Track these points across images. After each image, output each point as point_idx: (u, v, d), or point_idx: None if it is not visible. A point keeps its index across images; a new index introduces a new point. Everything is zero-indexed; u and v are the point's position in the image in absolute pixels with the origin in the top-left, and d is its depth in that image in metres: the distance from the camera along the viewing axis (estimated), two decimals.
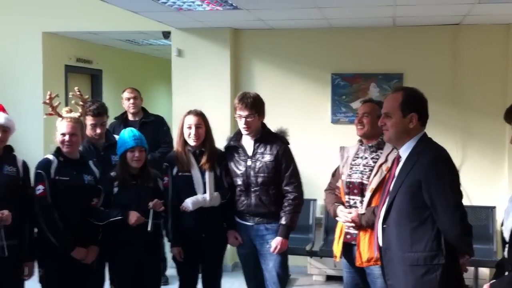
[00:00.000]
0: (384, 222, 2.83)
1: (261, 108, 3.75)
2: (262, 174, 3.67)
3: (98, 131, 4.19)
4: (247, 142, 3.77)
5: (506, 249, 2.48)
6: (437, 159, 2.71)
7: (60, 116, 3.67)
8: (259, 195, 3.68)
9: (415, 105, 2.81)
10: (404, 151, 2.83)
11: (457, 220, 2.62)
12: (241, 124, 3.71)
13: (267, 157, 3.68)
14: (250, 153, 3.74)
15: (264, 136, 3.75)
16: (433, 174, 2.67)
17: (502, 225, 2.56)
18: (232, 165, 3.78)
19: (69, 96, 4.09)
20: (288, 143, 3.78)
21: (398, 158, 2.91)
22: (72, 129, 3.56)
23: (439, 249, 2.67)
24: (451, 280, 2.70)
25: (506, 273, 2.47)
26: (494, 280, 2.50)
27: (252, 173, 3.69)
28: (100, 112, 4.19)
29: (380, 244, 2.89)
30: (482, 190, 5.50)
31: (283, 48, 6.03)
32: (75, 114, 3.71)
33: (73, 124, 3.58)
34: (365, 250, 3.36)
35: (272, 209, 3.69)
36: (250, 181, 3.69)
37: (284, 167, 3.70)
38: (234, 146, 3.80)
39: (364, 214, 3.36)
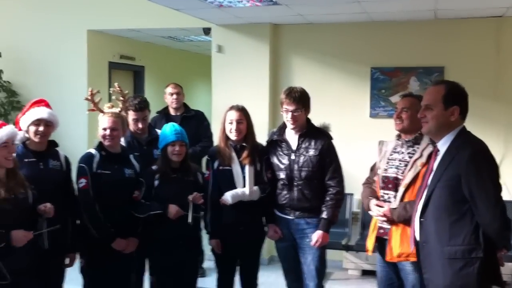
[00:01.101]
0: (421, 216, 2.83)
1: (308, 103, 3.77)
2: (306, 168, 3.70)
3: (140, 125, 4.25)
4: (291, 137, 3.80)
5: None
6: (477, 153, 2.70)
7: (101, 111, 3.77)
8: (302, 189, 3.70)
9: (457, 98, 2.80)
10: (443, 145, 2.82)
11: (497, 214, 2.62)
12: (287, 118, 3.73)
13: (312, 152, 3.70)
14: (294, 147, 3.76)
15: (309, 131, 3.77)
16: (473, 168, 2.66)
17: None
18: (275, 159, 3.82)
19: (110, 92, 4.19)
20: (332, 138, 3.80)
21: (436, 151, 2.90)
22: (113, 124, 3.66)
23: (477, 242, 2.66)
24: (488, 274, 2.70)
25: None
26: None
27: (296, 167, 3.71)
28: (142, 107, 4.24)
29: (417, 238, 2.89)
30: None
31: (322, 43, 6.02)
32: (116, 109, 3.81)
33: (114, 119, 3.67)
34: (396, 245, 3.36)
35: (313, 203, 3.71)
36: (293, 175, 3.72)
37: (328, 162, 3.72)
38: (277, 140, 3.83)
39: (395, 209, 3.35)
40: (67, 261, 3.66)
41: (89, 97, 3.88)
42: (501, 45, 5.54)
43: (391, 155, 3.51)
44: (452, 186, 2.70)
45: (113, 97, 4.16)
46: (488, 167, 2.69)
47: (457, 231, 2.69)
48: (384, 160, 3.52)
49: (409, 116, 3.43)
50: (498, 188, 2.70)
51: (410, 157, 3.40)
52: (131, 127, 4.27)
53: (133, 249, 3.72)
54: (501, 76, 5.55)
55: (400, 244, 3.34)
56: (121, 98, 4.00)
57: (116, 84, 4.14)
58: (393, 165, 3.46)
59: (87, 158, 3.65)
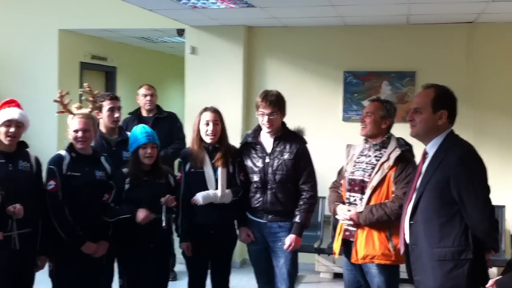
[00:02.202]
0: (411, 219, 2.85)
1: (283, 106, 3.77)
2: (280, 172, 3.69)
3: (116, 115, 4.20)
4: (266, 139, 3.79)
5: None
6: (466, 155, 2.74)
7: (71, 113, 3.69)
8: (275, 193, 3.70)
9: (446, 103, 2.84)
10: (431, 148, 2.85)
11: (486, 216, 2.66)
12: (263, 121, 3.72)
13: (286, 155, 3.70)
14: (269, 150, 3.75)
15: (284, 135, 3.77)
16: (462, 170, 2.69)
17: None
18: (249, 161, 3.80)
19: (79, 92, 4.13)
20: (306, 143, 3.80)
21: (424, 154, 2.92)
22: (85, 125, 3.60)
23: (467, 244, 2.69)
24: (477, 275, 2.73)
25: None
26: (500, 277, 2.51)
27: (270, 170, 3.70)
28: (116, 96, 4.26)
29: (407, 240, 2.90)
30: (493, 189, 5.46)
31: (296, 46, 6.04)
32: (86, 110, 3.75)
33: (86, 120, 3.61)
34: (362, 247, 3.39)
35: (287, 207, 3.71)
36: (267, 178, 3.71)
37: (302, 166, 3.72)
38: (252, 142, 3.82)
39: (361, 212, 3.37)
40: (38, 264, 3.58)
41: (59, 99, 3.80)
42: (472, 50, 5.63)
43: (358, 158, 3.55)
44: (441, 189, 2.72)
45: (83, 97, 4.10)
46: (476, 169, 2.73)
47: (447, 233, 2.72)
48: (351, 163, 3.56)
49: (372, 120, 3.47)
50: (487, 189, 2.73)
51: (377, 160, 3.44)
52: (107, 119, 4.19)
53: (103, 252, 3.66)
54: (471, 81, 5.63)
55: (365, 246, 3.38)
56: (91, 98, 3.93)
57: (85, 84, 4.08)
58: (360, 168, 3.49)
59: (57, 160, 3.58)
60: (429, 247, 2.76)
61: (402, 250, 3.02)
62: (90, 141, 3.69)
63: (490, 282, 2.51)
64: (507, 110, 5.54)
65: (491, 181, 5.80)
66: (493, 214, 2.69)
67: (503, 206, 5.38)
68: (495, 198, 5.67)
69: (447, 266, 2.70)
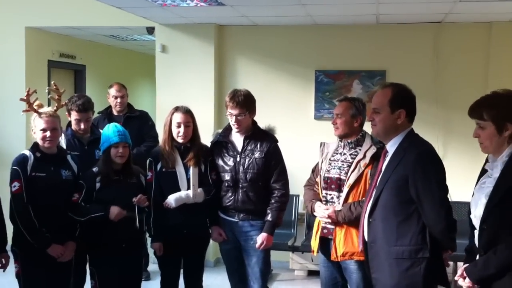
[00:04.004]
0: (370, 216, 2.88)
1: (252, 106, 3.76)
2: (251, 171, 3.69)
3: (82, 126, 4.14)
4: (237, 138, 3.79)
5: (476, 235, 2.55)
6: (423, 155, 2.76)
7: (37, 112, 3.62)
8: (247, 191, 3.69)
9: (403, 102, 2.85)
10: (391, 146, 2.88)
11: (442, 216, 2.68)
12: (232, 122, 3.72)
13: (257, 154, 3.70)
14: (239, 149, 3.75)
15: (254, 133, 3.77)
16: (420, 169, 2.71)
17: (469, 214, 2.62)
18: (220, 160, 3.79)
19: (45, 90, 4.06)
20: (277, 141, 3.80)
21: (385, 153, 2.95)
22: (52, 124, 3.52)
23: (424, 243, 2.72)
24: (434, 273, 2.77)
25: (478, 257, 2.53)
26: (467, 265, 2.56)
27: (241, 169, 3.70)
28: (86, 107, 4.13)
29: (366, 238, 2.93)
30: (462, 186, 5.53)
31: (268, 44, 6.05)
32: (49, 108, 3.68)
33: (52, 119, 3.54)
34: (341, 245, 3.42)
35: (258, 206, 3.71)
36: (238, 177, 3.70)
37: (273, 165, 3.72)
38: (223, 141, 3.81)
39: (340, 210, 3.40)
40: (2, 261, 3.52)
41: (25, 98, 3.72)
42: (440, 49, 5.72)
43: (333, 156, 3.57)
44: (399, 187, 2.75)
45: (49, 96, 4.03)
46: (434, 168, 2.76)
47: (404, 232, 2.75)
48: (326, 161, 3.57)
49: (343, 121, 3.50)
50: (444, 189, 2.76)
51: (353, 158, 3.46)
52: (73, 127, 4.17)
53: (71, 254, 3.59)
54: (439, 80, 5.73)
55: (344, 243, 3.41)
56: (57, 97, 3.87)
57: (52, 82, 4.02)
58: (335, 166, 3.51)
59: (21, 160, 3.49)
60: (386, 245, 2.79)
61: (360, 248, 3.05)
62: (57, 140, 3.63)
63: (460, 271, 2.56)
64: None
65: (459, 179, 5.94)
66: (450, 214, 2.72)
67: None
68: (464, 196, 5.81)
69: (404, 265, 2.74)
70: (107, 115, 5.34)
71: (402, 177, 2.74)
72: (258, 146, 3.72)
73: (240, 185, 3.70)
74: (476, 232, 2.55)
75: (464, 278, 2.53)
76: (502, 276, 2.39)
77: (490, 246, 2.43)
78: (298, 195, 5.56)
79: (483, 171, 2.63)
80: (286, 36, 6.00)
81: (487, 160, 2.63)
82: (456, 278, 2.59)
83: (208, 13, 5.45)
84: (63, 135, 3.99)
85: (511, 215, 2.37)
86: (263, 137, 3.76)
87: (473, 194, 2.64)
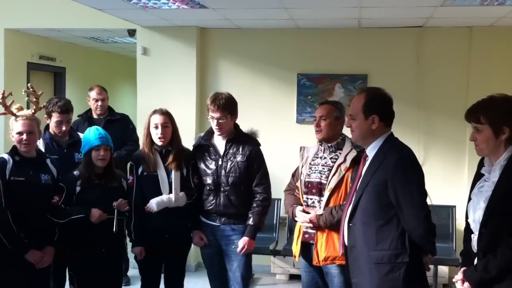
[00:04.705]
0: (350, 221, 2.87)
1: (234, 109, 3.73)
2: (233, 174, 3.66)
3: (64, 128, 4.11)
4: (219, 142, 3.76)
5: (474, 239, 2.55)
6: (403, 159, 2.76)
7: (14, 115, 3.56)
8: (229, 195, 3.67)
9: (376, 107, 2.84)
10: (371, 151, 2.88)
11: (421, 220, 2.68)
12: (213, 125, 3.69)
13: (239, 158, 3.68)
14: (221, 152, 3.72)
15: (236, 137, 3.74)
16: (399, 174, 2.71)
17: (467, 218, 2.63)
18: (202, 164, 3.76)
19: (23, 93, 4.00)
20: (259, 145, 3.79)
21: (365, 157, 2.95)
22: (29, 127, 3.47)
23: (404, 247, 2.72)
24: (414, 278, 2.77)
25: (476, 261, 2.54)
26: (465, 268, 2.56)
27: (223, 172, 3.67)
28: (67, 109, 4.11)
29: (346, 242, 2.92)
30: (443, 189, 5.61)
31: (250, 48, 6.04)
32: (28, 111, 3.63)
33: (29, 122, 3.49)
34: (322, 249, 3.41)
35: (240, 210, 3.69)
36: (220, 180, 3.68)
37: (255, 168, 3.70)
38: (205, 145, 3.78)
39: (321, 215, 3.39)
40: None
41: (1, 100, 3.65)
42: (421, 54, 5.76)
43: (313, 160, 3.56)
44: (379, 192, 2.75)
45: (26, 98, 3.97)
46: (413, 173, 2.76)
47: (384, 236, 2.75)
48: (306, 165, 3.57)
49: (327, 124, 3.50)
50: (423, 193, 2.76)
51: (334, 162, 3.46)
52: (53, 129, 4.13)
53: (50, 259, 3.54)
54: (421, 84, 5.76)
55: (326, 248, 3.40)
56: (35, 99, 3.81)
57: (29, 84, 3.96)
58: (316, 170, 3.51)
59: None
60: (366, 249, 2.79)
61: (341, 252, 3.05)
62: (35, 144, 3.57)
63: (459, 275, 2.56)
64: (455, 112, 5.68)
65: (440, 182, 5.97)
66: (430, 218, 2.73)
67: (454, 206, 5.52)
68: (445, 198, 5.86)
69: (384, 269, 2.73)
70: (87, 118, 5.28)
71: (381, 182, 2.74)
72: (240, 149, 3.70)
73: (222, 189, 3.68)
74: (474, 236, 2.55)
75: (463, 282, 2.53)
76: (503, 279, 2.40)
77: (490, 249, 2.44)
78: (280, 199, 5.53)
79: (479, 175, 2.63)
80: (269, 39, 5.99)
81: (481, 164, 2.62)
82: (455, 281, 2.58)
83: (190, 16, 5.42)
84: (41, 138, 3.94)
85: (510, 218, 2.38)
86: (245, 141, 3.74)
87: (470, 199, 2.64)
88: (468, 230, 2.64)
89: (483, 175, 2.60)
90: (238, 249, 3.66)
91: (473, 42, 5.64)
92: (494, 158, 2.52)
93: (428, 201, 2.82)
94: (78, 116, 5.32)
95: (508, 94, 2.58)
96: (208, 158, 3.75)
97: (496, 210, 2.42)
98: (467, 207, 2.67)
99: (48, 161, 3.67)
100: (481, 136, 2.52)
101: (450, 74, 5.74)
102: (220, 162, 3.70)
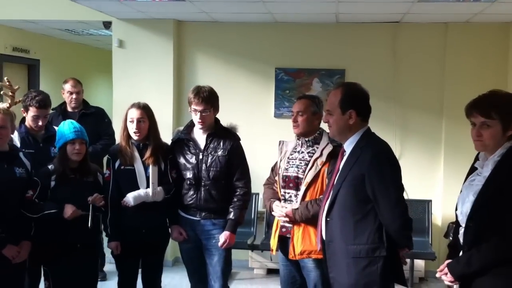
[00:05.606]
0: (327, 215, 2.88)
1: (216, 102, 3.72)
2: (214, 169, 3.64)
3: (40, 123, 4.07)
4: (199, 136, 3.73)
5: (461, 232, 2.56)
6: (379, 154, 2.78)
7: None
8: (209, 190, 3.65)
9: (353, 102, 2.86)
10: (348, 146, 2.89)
11: (397, 214, 2.71)
12: (196, 118, 3.67)
13: (220, 152, 3.66)
14: (202, 146, 3.70)
15: (217, 131, 3.73)
16: (376, 168, 2.73)
17: (456, 209, 2.63)
18: (181, 158, 3.73)
19: None
20: (240, 139, 3.78)
21: (342, 152, 2.96)
22: (2, 122, 3.40)
23: (381, 241, 2.75)
24: (391, 271, 2.79)
25: (461, 253, 2.56)
26: (450, 260, 2.58)
27: (204, 167, 3.65)
28: (46, 104, 4.07)
29: (324, 237, 2.93)
30: (419, 184, 5.67)
31: (227, 41, 6.01)
32: (3, 105, 3.56)
33: (2, 116, 3.42)
34: (299, 243, 3.42)
35: (220, 204, 3.68)
36: (201, 175, 3.65)
37: (236, 163, 3.69)
38: (184, 139, 3.75)
39: (297, 209, 3.40)
40: None
41: None
42: (398, 49, 5.80)
43: (291, 154, 3.57)
44: (356, 186, 2.77)
45: (1, 92, 3.89)
46: (390, 167, 2.78)
47: (361, 230, 2.76)
48: (284, 159, 3.57)
49: (304, 119, 3.50)
50: (400, 188, 2.79)
51: (311, 157, 3.47)
52: (29, 123, 4.07)
53: (26, 254, 3.49)
54: (397, 79, 5.81)
55: (302, 242, 3.41)
56: (10, 94, 3.75)
57: (5, 78, 3.88)
58: (293, 164, 3.51)
59: None
60: (344, 244, 2.80)
61: (319, 247, 3.06)
62: (7, 138, 3.50)
63: (442, 266, 2.58)
64: (430, 108, 5.76)
65: (417, 177, 6.02)
66: (406, 212, 2.75)
67: (430, 201, 5.59)
68: (421, 193, 5.91)
69: (362, 263, 2.76)
70: (62, 112, 5.19)
71: (358, 176, 2.76)
72: (221, 144, 3.68)
73: (203, 183, 3.66)
74: (461, 229, 2.56)
75: (446, 273, 2.55)
76: (484, 274, 2.41)
77: (475, 243, 2.44)
78: (258, 194, 5.54)
79: (473, 169, 2.63)
80: (246, 33, 5.97)
81: (477, 158, 2.62)
82: (437, 273, 2.59)
83: (167, 8, 5.37)
84: (16, 132, 3.87)
85: (497, 214, 2.39)
86: (226, 135, 3.72)
87: (461, 191, 2.64)
88: (456, 222, 2.65)
89: (476, 168, 2.60)
90: (220, 243, 3.64)
91: (449, 38, 5.70)
92: (489, 153, 2.51)
93: (405, 196, 2.84)
94: (52, 110, 5.22)
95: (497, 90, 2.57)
96: (188, 152, 3.72)
97: (484, 205, 2.43)
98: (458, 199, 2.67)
99: (21, 154, 3.61)
100: (489, 131, 2.46)
101: (426, 70, 5.80)
102: (200, 157, 3.68)
